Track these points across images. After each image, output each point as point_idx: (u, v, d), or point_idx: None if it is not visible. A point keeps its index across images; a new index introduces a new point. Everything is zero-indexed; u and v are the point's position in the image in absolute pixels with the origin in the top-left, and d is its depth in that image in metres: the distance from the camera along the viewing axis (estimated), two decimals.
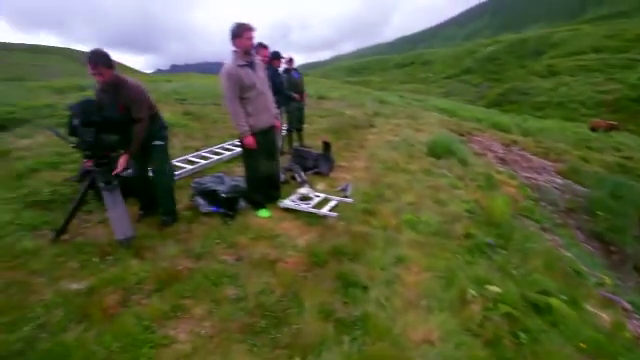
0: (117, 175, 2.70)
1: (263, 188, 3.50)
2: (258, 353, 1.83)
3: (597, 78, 29.54)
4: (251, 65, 3.10)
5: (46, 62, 27.43)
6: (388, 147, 6.54)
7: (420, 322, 2.11)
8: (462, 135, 9.38)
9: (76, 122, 2.47)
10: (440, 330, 2.05)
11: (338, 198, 3.75)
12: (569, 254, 3.78)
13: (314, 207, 3.48)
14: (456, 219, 3.75)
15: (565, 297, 2.66)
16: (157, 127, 2.96)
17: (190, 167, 4.40)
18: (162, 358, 1.75)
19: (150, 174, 3.11)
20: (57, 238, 2.70)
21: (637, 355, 2.44)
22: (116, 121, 2.59)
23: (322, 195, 3.79)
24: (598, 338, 2.40)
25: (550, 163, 8.50)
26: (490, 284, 2.58)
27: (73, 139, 2.57)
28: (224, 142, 5.65)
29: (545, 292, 2.63)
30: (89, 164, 2.67)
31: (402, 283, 2.50)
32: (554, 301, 2.50)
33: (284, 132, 5.69)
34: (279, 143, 4.60)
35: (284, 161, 4.70)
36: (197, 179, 3.64)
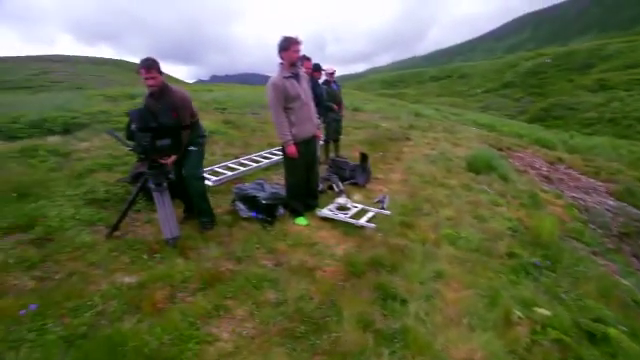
0: (167, 177, 2.86)
1: (302, 196, 3.56)
2: (297, 358, 1.85)
3: None
4: (296, 77, 3.21)
5: (103, 73, 29.86)
6: (425, 160, 6.44)
7: (462, 340, 2.03)
8: (501, 150, 8.99)
9: (134, 127, 2.66)
10: (484, 350, 1.97)
11: (375, 209, 3.73)
12: (626, 282, 3.48)
13: (352, 217, 3.49)
14: (498, 237, 3.60)
15: (624, 328, 2.45)
16: (195, 134, 3.08)
17: (230, 173, 4.58)
18: (206, 354, 1.82)
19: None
20: (110, 234, 2.90)
21: None
22: (170, 127, 2.76)
23: (359, 206, 3.79)
24: None
25: (601, 183, 7.89)
26: (537, 306, 2.44)
27: (130, 143, 2.76)
28: (262, 150, 5.83)
29: (600, 320, 2.44)
30: (142, 167, 2.85)
31: (442, 299, 2.43)
32: (612, 331, 2.30)
33: (321, 142, 5.77)
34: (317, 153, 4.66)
35: (321, 171, 4.76)
36: (239, 185, 3.77)
